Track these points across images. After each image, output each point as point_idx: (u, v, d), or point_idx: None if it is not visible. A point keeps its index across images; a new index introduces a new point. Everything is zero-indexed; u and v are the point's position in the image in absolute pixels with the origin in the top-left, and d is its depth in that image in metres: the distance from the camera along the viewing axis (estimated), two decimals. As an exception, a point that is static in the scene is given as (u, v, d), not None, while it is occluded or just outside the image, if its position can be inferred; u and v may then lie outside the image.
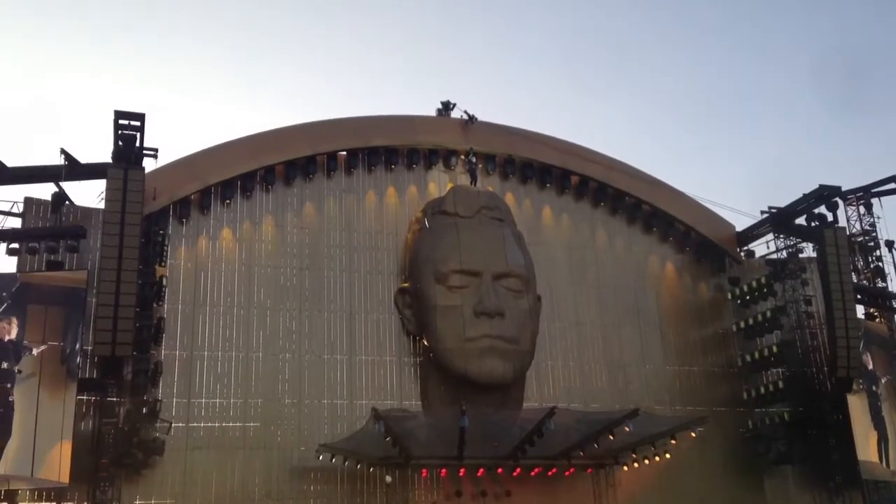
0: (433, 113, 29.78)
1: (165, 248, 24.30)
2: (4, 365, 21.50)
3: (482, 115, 29.05)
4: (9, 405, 21.12)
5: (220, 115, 57.39)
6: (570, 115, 60.78)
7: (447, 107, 29.66)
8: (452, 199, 27.62)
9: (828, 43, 66.96)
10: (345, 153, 27.87)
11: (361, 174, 28.15)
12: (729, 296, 31.01)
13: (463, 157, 28.74)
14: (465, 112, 28.88)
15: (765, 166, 64.82)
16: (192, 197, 25.77)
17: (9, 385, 21.26)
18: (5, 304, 21.92)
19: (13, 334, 21.66)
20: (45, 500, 21.80)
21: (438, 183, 28.74)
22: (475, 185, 28.29)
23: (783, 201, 30.22)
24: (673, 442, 24.66)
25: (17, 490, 21.01)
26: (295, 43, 60.91)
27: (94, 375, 22.66)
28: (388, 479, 24.04)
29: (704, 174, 65.62)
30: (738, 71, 67.79)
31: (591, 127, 61.09)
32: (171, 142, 25.37)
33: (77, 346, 21.87)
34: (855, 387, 28.00)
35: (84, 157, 23.62)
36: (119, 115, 23.19)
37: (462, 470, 24.59)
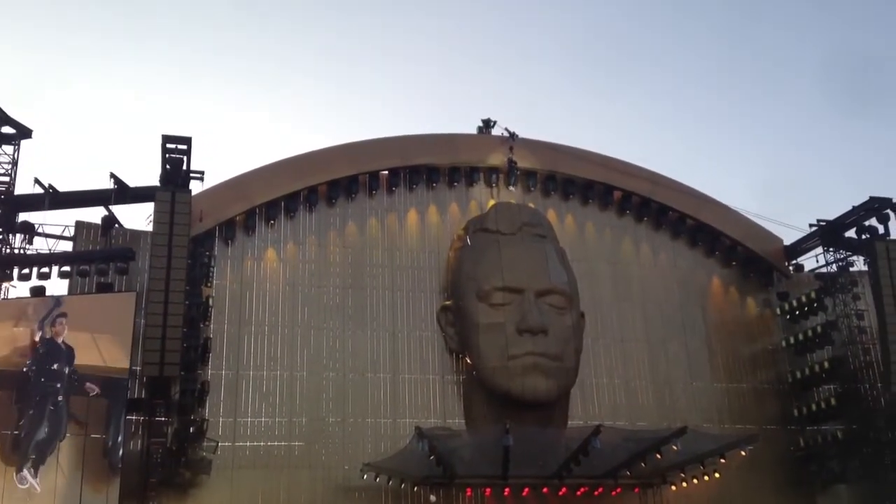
0: (473, 129, 29.91)
1: (212, 268, 24.72)
2: (56, 366, 22.07)
3: (519, 129, 29.09)
4: (58, 404, 21.67)
5: (263, 134, 58.30)
6: (574, 115, 60.75)
7: (488, 124, 29.77)
8: (494, 216, 27.62)
9: (840, 42, 65.48)
10: (386, 172, 28.05)
11: (403, 193, 28.31)
12: (778, 311, 30.39)
13: (503, 173, 28.76)
14: (507, 129, 28.94)
15: (776, 169, 63.83)
16: (238, 218, 26.16)
17: (58, 385, 21.85)
18: (59, 308, 22.57)
19: (64, 335, 22.27)
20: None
21: (479, 201, 28.74)
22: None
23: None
24: (722, 461, 24.11)
25: None
26: (333, 63, 61.70)
27: (143, 396, 23.04)
28: (433, 498, 23.91)
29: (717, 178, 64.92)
30: (746, 69, 66.74)
31: (594, 129, 60.66)
32: (215, 162, 25.93)
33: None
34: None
35: (131, 178, 24.27)
36: (166, 139, 23.68)
37: (507, 489, 24.38)
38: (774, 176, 62.49)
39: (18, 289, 23.33)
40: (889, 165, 63.85)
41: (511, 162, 28.55)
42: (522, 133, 28.98)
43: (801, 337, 29.22)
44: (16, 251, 23.62)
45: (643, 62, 63.57)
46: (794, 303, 29.78)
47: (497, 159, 28.89)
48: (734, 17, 65.39)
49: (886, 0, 63.87)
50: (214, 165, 27.43)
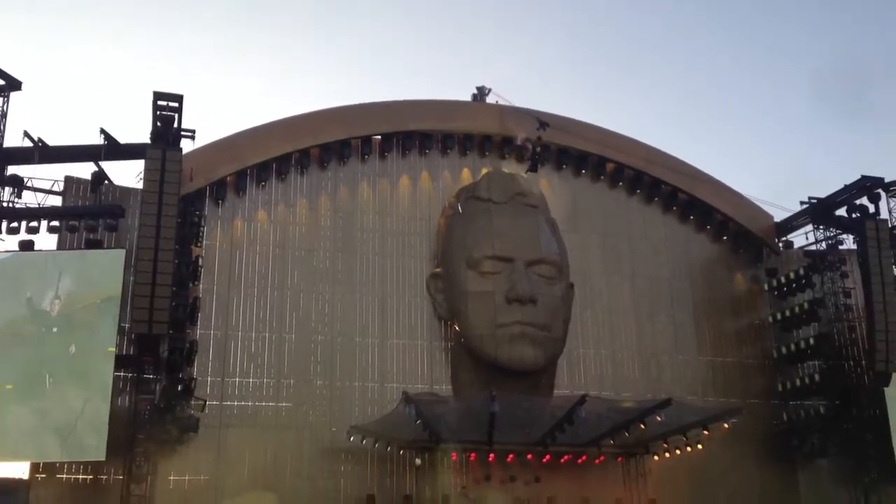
0: (466, 97, 29.73)
1: (201, 228, 24.64)
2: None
3: (513, 100, 28.56)
4: None
5: (256, 98, 57.75)
6: (574, 102, 61.12)
7: (482, 92, 29.57)
8: (486, 184, 27.56)
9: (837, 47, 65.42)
10: (379, 137, 27.90)
11: (395, 159, 28.20)
12: (766, 287, 30.58)
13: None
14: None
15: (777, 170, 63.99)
16: (228, 178, 26.02)
17: None
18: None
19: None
20: (83, 474, 22.35)
21: (472, 169, 28.67)
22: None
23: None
24: (705, 433, 24.35)
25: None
26: (327, 27, 61.08)
27: (132, 352, 23.05)
28: (418, 461, 24.19)
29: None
30: (743, 72, 66.60)
31: (595, 115, 60.42)
32: (207, 123, 25.69)
33: None
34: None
35: (122, 136, 23.95)
36: (158, 96, 23.38)
37: (492, 455, 24.64)
38: (775, 169, 62.68)
39: (7, 242, 23.22)
40: (879, 153, 64.03)
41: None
42: (516, 103, 28.62)
43: (787, 313, 29.44)
44: (4, 205, 23.43)
45: (642, 49, 63.30)
46: (783, 279, 29.97)
47: (491, 127, 28.73)
48: (734, 6, 65.15)
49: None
50: (206, 129, 27.10)
